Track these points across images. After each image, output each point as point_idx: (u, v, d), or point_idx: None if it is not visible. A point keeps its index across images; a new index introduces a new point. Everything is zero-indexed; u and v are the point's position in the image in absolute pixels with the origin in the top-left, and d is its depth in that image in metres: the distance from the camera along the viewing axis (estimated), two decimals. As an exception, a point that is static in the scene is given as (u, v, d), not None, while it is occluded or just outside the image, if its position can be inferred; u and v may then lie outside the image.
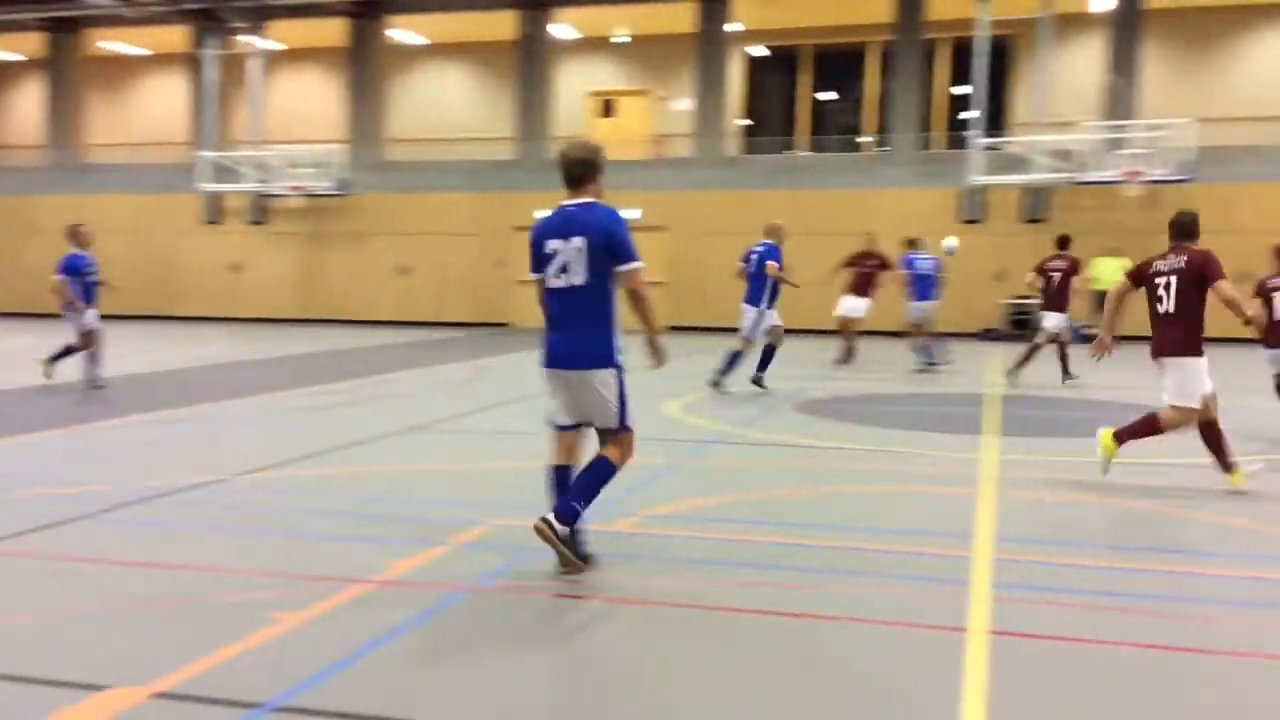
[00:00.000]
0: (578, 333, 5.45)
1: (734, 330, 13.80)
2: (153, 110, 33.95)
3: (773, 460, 9.17)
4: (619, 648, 4.56)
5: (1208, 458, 7.90)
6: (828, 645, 4.60)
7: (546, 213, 5.60)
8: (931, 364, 16.63)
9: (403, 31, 30.33)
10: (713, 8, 27.05)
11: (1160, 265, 7.88)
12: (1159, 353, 7.86)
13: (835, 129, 29.98)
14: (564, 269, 5.41)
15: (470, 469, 8.60)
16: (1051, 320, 14.85)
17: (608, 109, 29.55)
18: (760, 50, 30.41)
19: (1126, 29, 24.85)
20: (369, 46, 29.64)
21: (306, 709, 3.81)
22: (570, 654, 4.51)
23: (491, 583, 5.36)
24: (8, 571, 5.53)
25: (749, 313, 13.48)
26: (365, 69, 29.66)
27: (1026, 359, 14.75)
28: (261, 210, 29.51)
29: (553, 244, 5.43)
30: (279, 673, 4.10)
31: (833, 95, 30.55)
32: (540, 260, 5.50)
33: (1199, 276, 7.68)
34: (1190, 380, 7.72)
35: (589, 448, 5.64)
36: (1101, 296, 12.66)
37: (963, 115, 27.07)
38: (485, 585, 5.32)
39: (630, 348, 5.57)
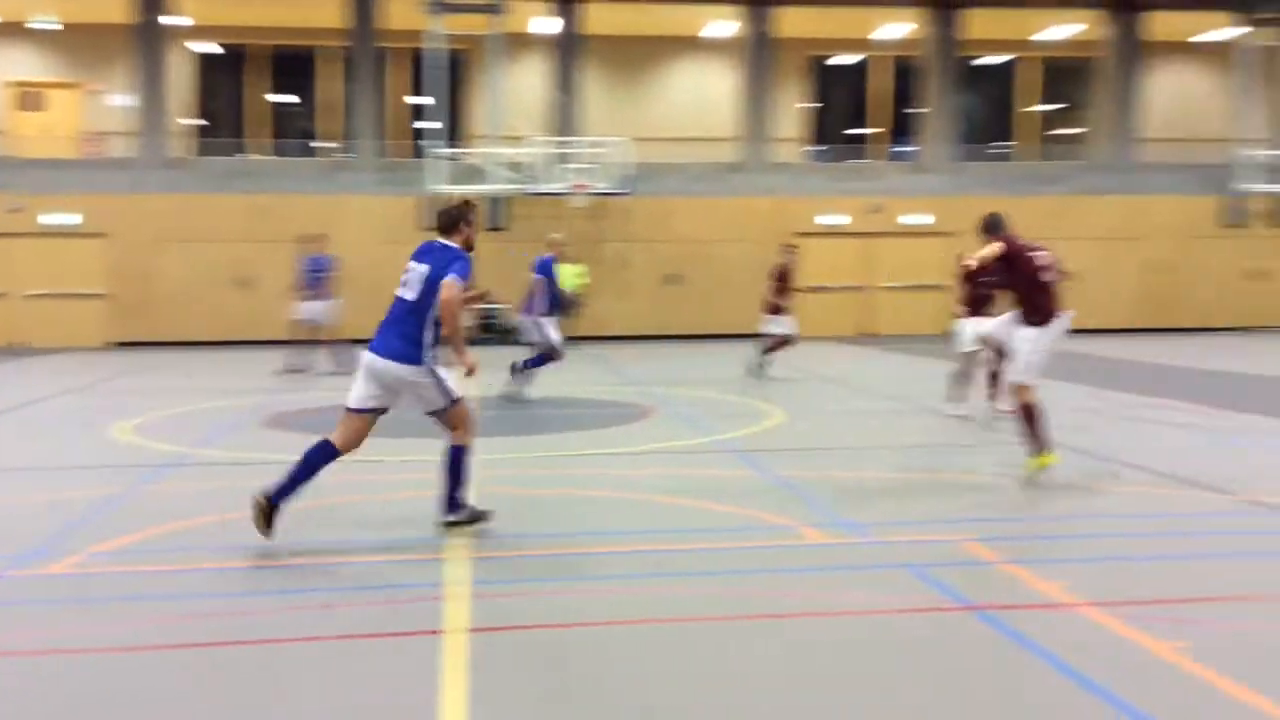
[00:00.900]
0: None
1: (186, 345, 12.89)
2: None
3: (233, 481, 8.64)
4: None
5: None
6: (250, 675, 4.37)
7: None
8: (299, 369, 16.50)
9: None
10: (151, -2, 25.10)
11: None
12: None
13: (294, 133, 29.09)
14: None
15: None
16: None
17: (33, 102, 26.55)
18: (212, 47, 28.82)
19: (568, 52, 26.44)
20: None
21: None
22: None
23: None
24: None
25: (527, 322, 13.78)
26: None
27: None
28: None
29: None
30: None
31: (291, 98, 29.65)
32: None
33: None
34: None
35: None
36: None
37: (421, 125, 27.41)
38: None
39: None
